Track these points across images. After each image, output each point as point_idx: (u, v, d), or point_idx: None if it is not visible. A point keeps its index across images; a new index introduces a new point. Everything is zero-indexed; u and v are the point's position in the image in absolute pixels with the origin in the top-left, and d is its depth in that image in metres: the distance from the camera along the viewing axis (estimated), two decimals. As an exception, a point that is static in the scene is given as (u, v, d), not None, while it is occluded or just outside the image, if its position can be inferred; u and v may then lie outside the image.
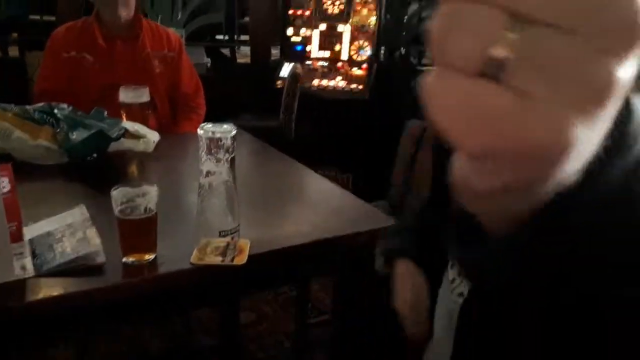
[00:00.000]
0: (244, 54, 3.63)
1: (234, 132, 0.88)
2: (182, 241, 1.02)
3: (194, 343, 2.09)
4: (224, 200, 0.89)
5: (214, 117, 2.35)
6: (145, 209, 0.89)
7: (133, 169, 1.47)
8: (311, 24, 3.09)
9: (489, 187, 0.23)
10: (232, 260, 0.93)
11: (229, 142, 0.86)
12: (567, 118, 0.20)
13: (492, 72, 0.20)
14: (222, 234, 0.91)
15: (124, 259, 0.91)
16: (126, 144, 1.45)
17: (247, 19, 3.32)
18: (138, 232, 0.90)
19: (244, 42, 3.46)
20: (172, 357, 2.04)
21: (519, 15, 0.19)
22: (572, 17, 0.19)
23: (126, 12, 1.89)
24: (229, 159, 0.87)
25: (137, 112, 1.56)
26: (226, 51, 3.61)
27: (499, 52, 0.19)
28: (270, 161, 1.66)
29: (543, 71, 0.20)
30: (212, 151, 0.85)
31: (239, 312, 2.03)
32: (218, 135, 0.85)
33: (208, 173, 0.87)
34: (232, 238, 0.93)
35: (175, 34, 2.11)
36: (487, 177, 0.22)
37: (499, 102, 0.20)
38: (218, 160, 0.86)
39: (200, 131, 0.87)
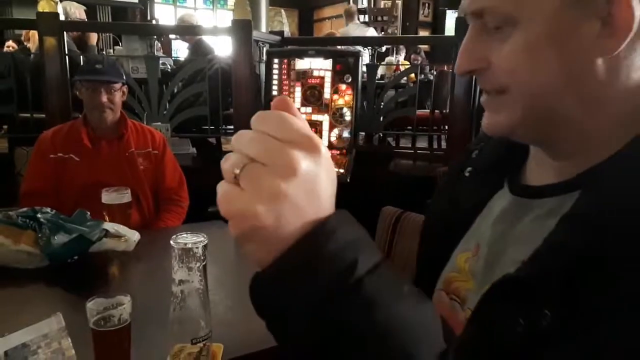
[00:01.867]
0: (229, 142, 3.76)
1: (205, 242, 0.94)
2: (157, 346, 1.04)
3: None
4: (197, 307, 0.92)
5: (202, 203, 2.42)
6: (119, 319, 0.92)
7: (114, 270, 1.50)
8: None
9: (233, 234, 0.43)
10: None
11: (200, 251, 0.91)
12: (259, 203, 0.41)
13: (236, 179, 0.42)
14: (194, 341, 0.93)
15: (98, 371, 0.93)
16: (107, 244, 1.49)
17: (231, 110, 3.47)
18: (112, 343, 0.93)
19: (230, 131, 3.60)
20: None
21: (247, 156, 0.42)
22: (263, 157, 0.41)
23: (112, 115, 2.01)
24: (201, 267, 0.91)
25: (119, 213, 1.62)
26: (212, 139, 3.74)
27: (237, 171, 0.42)
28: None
29: (250, 180, 0.41)
30: (184, 260, 0.89)
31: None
32: (189, 246, 0.90)
33: (180, 282, 0.91)
34: (205, 344, 0.95)
35: (159, 132, 2.22)
36: (231, 228, 0.43)
37: (234, 193, 0.42)
38: (190, 269, 0.90)
39: (172, 243, 0.91)
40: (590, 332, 0.43)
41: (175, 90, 3.37)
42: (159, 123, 3.05)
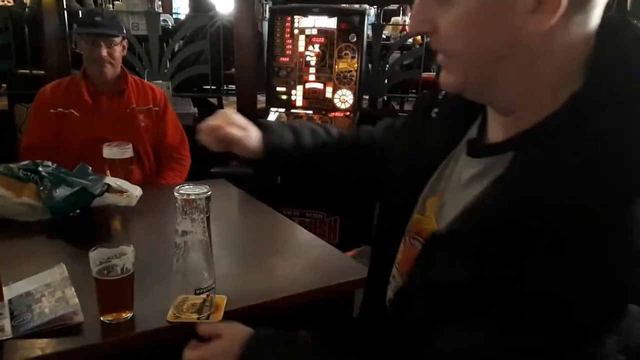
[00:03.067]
0: (232, 102, 3.72)
1: (208, 194, 0.93)
2: (160, 298, 1.04)
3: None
4: (200, 258, 0.92)
5: (204, 164, 2.41)
6: (122, 269, 0.92)
7: (116, 224, 1.49)
8: (295, 74, 3.19)
9: None
10: (208, 317, 0.95)
11: (203, 203, 0.90)
12: None
13: None
14: (197, 291, 0.93)
15: (102, 318, 0.93)
16: (109, 199, 1.48)
17: (233, 70, 3.42)
18: (115, 291, 0.93)
19: (231, 92, 3.55)
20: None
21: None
22: None
23: (112, 70, 1.97)
24: (204, 218, 0.91)
25: (120, 168, 1.60)
26: (213, 100, 3.70)
27: None
28: (251, 213, 1.70)
29: None
30: (188, 212, 0.88)
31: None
32: (193, 197, 0.89)
33: (184, 233, 0.90)
34: (208, 295, 0.95)
35: (160, 89, 2.18)
36: None
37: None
38: (193, 221, 0.89)
39: (176, 193, 0.91)
40: (509, 282, 0.51)
41: (176, 48, 3.31)
42: (160, 81, 3.00)
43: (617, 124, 0.51)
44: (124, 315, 0.94)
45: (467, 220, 0.58)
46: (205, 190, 0.93)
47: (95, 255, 0.91)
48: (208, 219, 0.94)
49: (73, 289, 0.99)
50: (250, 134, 0.95)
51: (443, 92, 0.75)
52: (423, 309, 0.61)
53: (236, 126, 0.95)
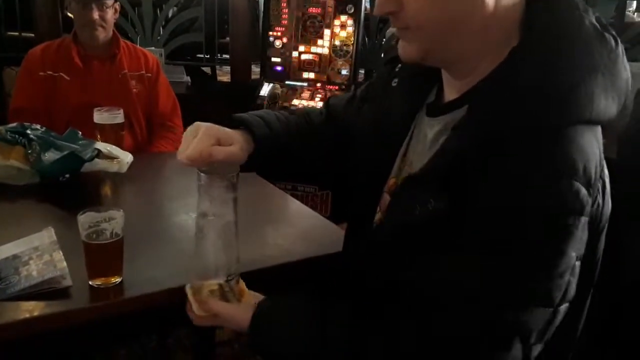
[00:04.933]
0: (225, 72, 3.67)
1: (237, 171, 0.79)
2: (150, 264, 1.04)
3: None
4: (226, 242, 0.81)
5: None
6: (112, 234, 0.90)
7: (106, 190, 1.48)
8: (290, 45, 3.14)
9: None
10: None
11: (234, 179, 0.77)
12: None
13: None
14: (229, 278, 0.84)
15: (90, 282, 0.92)
16: (100, 164, 1.46)
17: (227, 38, 3.36)
18: (104, 256, 0.92)
19: (225, 61, 3.49)
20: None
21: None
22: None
23: (104, 34, 1.92)
24: (233, 198, 0.79)
25: (111, 133, 1.58)
26: (207, 69, 3.64)
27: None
28: (243, 184, 1.68)
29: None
30: (213, 191, 0.76)
31: (214, 330, 2.03)
32: (220, 176, 0.76)
33: (206, 214, 0.78)
34: (235, 279, 0.86)
35: (153, 55, 2.14)
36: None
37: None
38: (221, 201, 0.77)
39: (199, 171, 0.77)
40: (473, 204, 0.62)
41: (170, 14, 3.23)
42: (153, 48, 2.95)
43: (542, 72, 0.62)
44: (112, 280, 0.93)
45: (435, 162, 0.68)
46: (235, 167, 0.80)
47: (84, 219, 0.90)
48: (236, 199, 0.80)
49: (61, 253, 0.98)
50: (237, 142, 0.84)
51: (399, 64, 0.84)
52: (399, 246, 0.71)
53: (221, 143, 0.80)
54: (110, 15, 1.93)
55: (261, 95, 3.07)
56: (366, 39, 3.29)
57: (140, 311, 0.96)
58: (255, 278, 1.06)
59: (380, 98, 0.87)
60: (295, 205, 1.46)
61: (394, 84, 0.83)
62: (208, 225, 0.78)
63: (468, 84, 0.70)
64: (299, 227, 1.34)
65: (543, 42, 0.63)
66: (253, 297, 0.85)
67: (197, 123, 0.80)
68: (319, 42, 3.07)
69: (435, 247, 0.65)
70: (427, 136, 0.75)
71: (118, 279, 0.94)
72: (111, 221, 0.91)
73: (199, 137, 0.76)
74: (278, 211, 1.49)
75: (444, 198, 0.64)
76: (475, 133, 0.64)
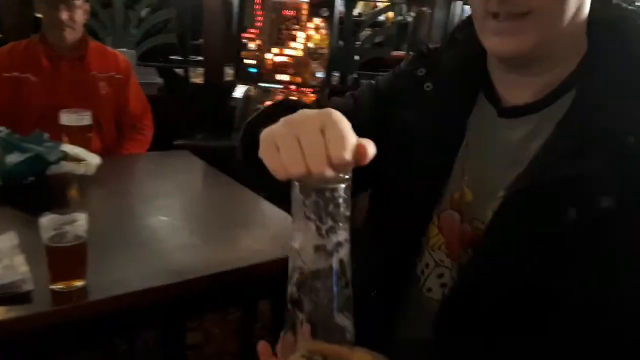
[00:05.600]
0: (198, 74, 3.64)
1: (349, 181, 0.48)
2: (115, 268, 1.03)
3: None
4: (339, 298, 0.49)
5: (167, 136, 2.35)
6: (75, 237, 0.89)
7: (72, 192, 1.45)
8: (264, 47, 3.14)
9: None
10: None
11: (337, 194, 0.47)
12: None
13: None
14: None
15: (52, 286, 0.91)
16: (66, 167, 1.44)
17: (201, 40, 3.33)
18: (67, 259, 0.91)
19: (198, 63, 3.47)
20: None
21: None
22: None
23: (73, 35, 1.89)
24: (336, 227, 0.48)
25: (78, 135, 1.55)
26: (180, 71, 3.61)
27: None
28: (215, 186, 1.69)
29: None
30: (310, 211, 0.47)
31: (184, 333, 2.01)
32: (313, 185, 0.47)
33: (319, 249, 0.47)
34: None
35: (124, 56, 2.11)
36: None
37: None
38: (331, 229, 0.47)
39: (296, 182, 0.48)
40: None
41: (143, 15, 3.20)
42: (125, 49, 2.91)
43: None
44: (74, 283, 0.92)
45: (545, 167, 0.59)
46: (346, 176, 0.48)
47: (46, 221, 0.89)
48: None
49: (23, 257, 0.96)
50: None
51: (422, 69, 0.74)
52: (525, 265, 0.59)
53: None
54: (80, 15, 1.90)
55: (235, 97, 3.06)
56: (340, 42, 3.31)
57: (106, 314, 0.95)
58: (224, 280, 1.06)
59: (414, 105, 0.73)
60: (267, 207, 1.46)
61: (427, 88, 0.72)
62: (317, 270, 0.48)
63: (544, 82, 0.64)
64: (269, 228, 1.35)
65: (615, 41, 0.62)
66: None
67: (304, 111, 0.48)
68: (293, 44, 3.08)
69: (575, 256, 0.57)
70: (508, 139, 0.66)
71: (81, 283, 0.93)
72: (74, 224, 0.90)
73: (348, 130, 0.46)
74: (249, 212, 1.49)
75: (580, 201, 0.56)
76: (593, 125, 0.59)
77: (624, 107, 0.58)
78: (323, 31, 3.11)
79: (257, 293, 1.29)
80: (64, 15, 1.85)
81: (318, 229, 0.47)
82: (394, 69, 0.81)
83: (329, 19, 2.97)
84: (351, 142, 0.45)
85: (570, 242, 0.57)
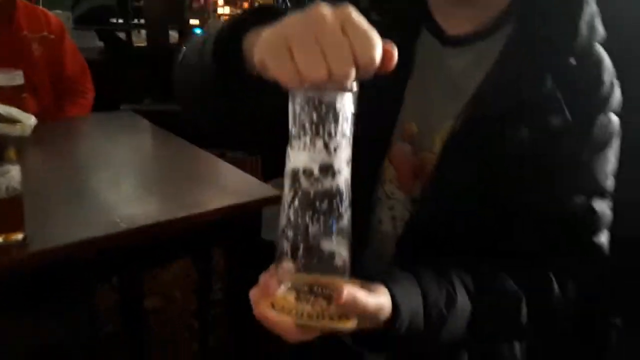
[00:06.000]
0: (141, 38, 3.52)
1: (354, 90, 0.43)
2: (55, 221, 1.02)
3: (97, 330, 2.05)
4: (333, 221, 0.45)
5: (114, 100, 2.28)
6: (8, 188, 0.87)
7: (10, 154, 1.40)
8: (209, 6, 3.06)
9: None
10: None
11: (346, 106, 0.43)
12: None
13: None
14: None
15: (-9, 240, 0.89)
16: (1, 129, 1.38)
17: (142, 2, 3.21)
18: (2, 212, 0.89)
19: (140, 26, 3.35)
20: (74, 346, 1.98)
21: None
22: None
23: (-4, -8, 1.78)
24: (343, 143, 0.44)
25: (11, 96, 1.48)
26: (122, 35, 3.48)
27: None
28: (163, 144, 1.67)
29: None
30: (317, 126, 0.42)
31: (143, 297, 2.01)
32: (325, 95, 0.42)
33: (306, 172, 0.43)
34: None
35: (55, 15, 2.01)
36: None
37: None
38: (327, 145, 0.43)
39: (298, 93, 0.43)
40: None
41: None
42: (59, 11, 2.77)
43: None
44: (13, 236, 0.90)
45: (494, 93, 0.63)
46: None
47: (-24, 174, 0.86)
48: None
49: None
50: None
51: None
52: (477, 191, 0.62)
53: None
54: (2, -28, 1.79)
55: (181, 60, 2.99)
56: (287, 1, 3.26)
57: (47, 266, 0.94)
58: (170, 229, 1.07)
59: None
60: (216, 162, 1.46)
61: (372, 16, 0.65)
62: (309, 188, 0.44)
63: (489, 13, 0.66)
64: (218, 181, 1.35)
65: None
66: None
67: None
68: (239, 3, 3.02)
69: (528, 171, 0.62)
70: (452, 68, 0.67)
71: (20, 235, 0.91)
72: (6, 175, 0.87)
73: (372, 29, 0.41)
74: (197, 168, 1.49)
75: (532, 121, 0.61)
76: (540, 44, 0.62)
77: (561, 32, 0.62)
78: (268, -11, 3.06)
79: (206, 242, 1.30)
80: (-15, -28, 1.73)
81: (326, 145, 0.42)
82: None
83: (273, -24, 2.92)
84: (379, 41, 0.40)
85: (522, 161, 0.61)
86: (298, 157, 0.43)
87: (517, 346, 0.75)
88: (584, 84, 0.63)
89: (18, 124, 1.41)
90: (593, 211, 0.65)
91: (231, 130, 0.70)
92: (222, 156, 2.87)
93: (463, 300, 0.58)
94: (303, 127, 0.42)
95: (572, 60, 0.62)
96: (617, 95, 0.66)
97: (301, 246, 0.44)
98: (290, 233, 0.44)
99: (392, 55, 0.42)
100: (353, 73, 0.39)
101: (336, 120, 0.41)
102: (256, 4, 2.99)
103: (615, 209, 0.68)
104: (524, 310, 0.61)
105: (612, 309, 1.49)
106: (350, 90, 0.41)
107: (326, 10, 0.40)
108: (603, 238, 0.67)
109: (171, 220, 1.06)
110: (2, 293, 0.93)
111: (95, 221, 1.02)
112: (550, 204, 0.64)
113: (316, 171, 0.43)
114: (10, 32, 1.84)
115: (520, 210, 0.63)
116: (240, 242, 1.23)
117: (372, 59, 0.39)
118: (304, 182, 0.43)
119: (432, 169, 0.65)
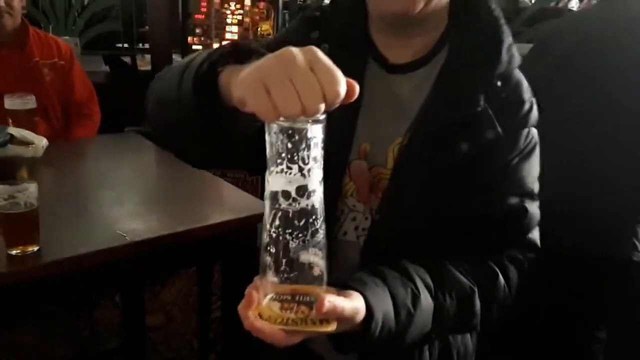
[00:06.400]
0: (146, 62, 3.63)
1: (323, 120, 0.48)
2: (65, 235, 1.10)
3: (99, 346, 2.11)
4: (310, 236, 0.50)
5: (118, 123, 2.38)
6: (26, 204, 0.96)
7: (22, 174, 1.49)
8: (212, 32, 3.17)
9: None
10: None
11: (317, 134, 0.48)
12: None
13: None
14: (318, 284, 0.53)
15: (9, 251, 0.98)
16: (14, 150, 1.47)
17: (147, 27, 3.33)
18: (20, 225, 0.97)
19: (145, 50, 3.46)
20: (77, 361, 2.04)
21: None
22: None
23: (11, 21, 1.90)
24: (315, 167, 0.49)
25: (24, 119, 1.58)
26: (127, 59, 3.60)
27: None
28: (165, 164, 1.75)
29: None
30: (292, 153, 0.48)
31: (144, 313, 2.07)
32: (298, 126, 0.47)
33: (284, 194, 0.49)
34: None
35: (65, 42, 2.13)
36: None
37: None
38: (302, 169, 0.48)
39: (273, 124, 0.48)
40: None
41: (86, 3, 3.17)
42: (68, 37, 2.89)
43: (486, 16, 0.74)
44: (29, 248, 0.99)
45: (434, 114, 0.71)
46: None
47: (-2, 190, 0.95)
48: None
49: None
50: None
51: (316, 31, 0.78)
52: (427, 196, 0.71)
53: None
54: (17, 2, 1.90)
55: (184, 83, 3.09)
56: (287, 25, 3.39)
57: (60, 276, 1.02)
58: (170, 241, 1.15)
59: None
60: (216, 182, 1.55)
61: (324, 50, 0.68)
62: (287, 209, 0.49)
63: (425, 44, 0.74)
64: (216, 199, 1.43)
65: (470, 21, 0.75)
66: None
67: (289, 51, 0.47)
68: (240, 29, 3.13)
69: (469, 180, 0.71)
70: (398, 94, 0.75)
71: (35, 247, 1.00)
72: (25, 192, 0.96)
73: (335, 67, 0.47)
74: (198, 188, 1.57)
75: (470, 136, 0.70)
76: (470, 69, 0.71)
77: (486, 60, 0.72)
78: (268, 16, 3.17)
79: (208, 255, 1.38)
80: (1, 2, 1.85)
81: (300, 169, 0.47)
82: (278, 37, 0.84)
83: (273, 3, 3.03)
84: (342, 77, 0.46)
85: (464, 171, 0.70)
86: (276, 180, 0.48)
87: (470, 337, 0.84)
88: (509, 103, 0.72)
89: (31, 145, 1.51)
90: (526, 210, 0.74)
91: (209, 154, 0.74)
92: (223, 176, 2.98)
93: (426, 298, 0.65)
94: (279, 154, 0.47)
95: (498, 83, 0.71)
96: (535, 111, 0.76)
97: (282, 260, 0.49)
98: (272, 249, 0.49)
99: (354, 88, 0.48)
100: (323, 107, 0.45)
101: (308, 147, 0.47)
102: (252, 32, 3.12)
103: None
104: (477, 301, 0.70)
105: (594, 321, 1.55)
106: (320, 121, 0.47)
107: (295, 52, 0.46)
108: (536, 234, 0.76)
109: (173, 233, 1.14)
110: (19, 299, 1.01)
111: (102, 235, 1.10)
112: (490, 206, 0.72)
113: (293, 193, 0.48)
114: (23, 58, 1.95)
115: (465, 213, 0.71)
116: (240, 256, 1.31)
117: (338, 93, 0.45)
118: (282, 202, 0.48)
119: (386, 181, 0.73)
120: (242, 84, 0.48)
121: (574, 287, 1.43)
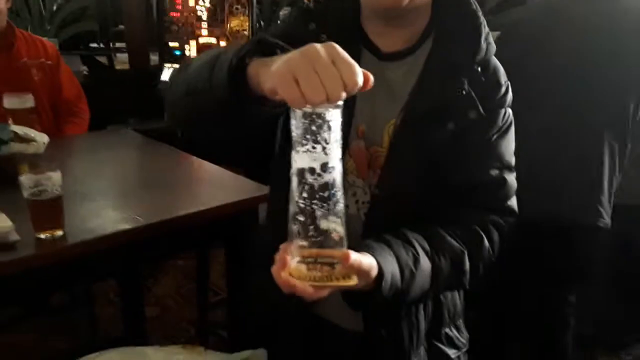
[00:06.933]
0: (122, 61, 3.65)
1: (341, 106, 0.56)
2: (85, 221, 1.18)
3: (99, 338, 2.15)
4: (332, 205, 0.58)
5: (99, 122, 2.41)
6: (52, 191, 1.03)
7: (23, 168, 1.54)
8: (187, 29, 3.21)
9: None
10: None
11: (337, 118, 0.56)
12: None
13: None
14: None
15: (37, 235, 1.05)
16: (16, 147, 1.51)
17: (122, 26, 3.36)
18: (48, 211, 1.05)
19: (121, 49, 3.49)
20: (78, 354, 2.07)
21: None
22: None
23: (-2, 23, 1.92)
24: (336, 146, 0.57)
25: (23, 117, 1.63)
26: (103, 59, 3.61)
27: None
28: (159, 153, 1.83)
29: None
30: (316, 135, 0.55)
31: (143, 305, 2.11)
32: (322, 111, 0.55)
33: (310, 170, 0.56)
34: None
35: (50, 42, 2.16)
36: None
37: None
38: (324, 148, 0.56)
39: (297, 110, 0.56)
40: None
41: (59, 1, 3.18)
42: (45, 39, 2.89)
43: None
44: (56, 232, 1.06)
45: (423, 96, 0.80)
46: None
47: (25, 179, 1.02)
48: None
49: (4, 215, 1.08)
50: None
51: (313, 23, 0.85)
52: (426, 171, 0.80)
53: None
54: (3, 3, 1.93)
55: (163, 80, 3.13)
56: (261, 22, 3.45)
57: (81, 257, 1.11)
58: (176, 224, 1.23)
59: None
60: (211, 167, 1.63)
61: (323, 39, 0.76)
62: (312, 183, 0.57)
63: (413, 33, 0.83)
64: (214, 182, 1.52)
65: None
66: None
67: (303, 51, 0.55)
68: (215, 25, 3.17)
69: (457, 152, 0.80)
70: (391, 80, 0.83)
71: (61, 232, 1.07)
72: (51, 179, 1.03)
73: (352, 60, 0.55)
74: (195, 171, 1.66)
75: (456, 116, 0.78)
76: (454, 56, 0.80)
77: (467, 48, 0.81)
78: (243, 11, 3.22)
79: (208, 236, 1.46)
80: (-13, 4, 1.87)
81: (323, 148, 0.55)
82: (279, 29, 0.92)
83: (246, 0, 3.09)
84: (359, 69, 0.54)
85: (451, 147, 0.80)
86: (303, 158, 0.56)
87: (458, 297, 0.95)
88: (488, 86, 0.82)
89: (32, 142, 1.56)
90: (505, 180, 0.84)
91: (227, 144, 0.83)
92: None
93: (424, 260, 0.75)
94: (304, 136, 0.55)
95: (478, 69, 0.81)
96: (510, 93, 0.85)
97: (309, 227, 0.57)
98: (300, 217, 0.57)
99: (369, 78, 0.56)
100: (343, 95, 0.53)
101: (330, 129, 0.55)
102: (228, 27, 3.17)
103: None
104: (467, 262, 0.80)
105: (566, 286, 1.67)
106: (339, 106, 0.55)
107: (319, 47, 0.54)
108: (514, 201, 0.86)
109: (177, 217, 1.23)
110: (45, 277, 1.09)
111: (115, 218, 1.20)
112: (474, 177, 0.83)
113: (318, 169, 0.56)
114: (11, 59, 1.98)
115: (453, 184, 0.81)
116: (239, 237, 1.40)
117: (357, 82, 0.54)
118: (309, 177, 0.56)
119: (382, 159, 0.82)
120: (273, 76, 0.56)
121: (546, 253, 1.55)
